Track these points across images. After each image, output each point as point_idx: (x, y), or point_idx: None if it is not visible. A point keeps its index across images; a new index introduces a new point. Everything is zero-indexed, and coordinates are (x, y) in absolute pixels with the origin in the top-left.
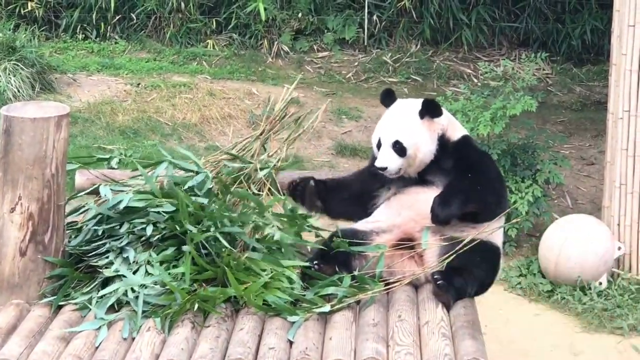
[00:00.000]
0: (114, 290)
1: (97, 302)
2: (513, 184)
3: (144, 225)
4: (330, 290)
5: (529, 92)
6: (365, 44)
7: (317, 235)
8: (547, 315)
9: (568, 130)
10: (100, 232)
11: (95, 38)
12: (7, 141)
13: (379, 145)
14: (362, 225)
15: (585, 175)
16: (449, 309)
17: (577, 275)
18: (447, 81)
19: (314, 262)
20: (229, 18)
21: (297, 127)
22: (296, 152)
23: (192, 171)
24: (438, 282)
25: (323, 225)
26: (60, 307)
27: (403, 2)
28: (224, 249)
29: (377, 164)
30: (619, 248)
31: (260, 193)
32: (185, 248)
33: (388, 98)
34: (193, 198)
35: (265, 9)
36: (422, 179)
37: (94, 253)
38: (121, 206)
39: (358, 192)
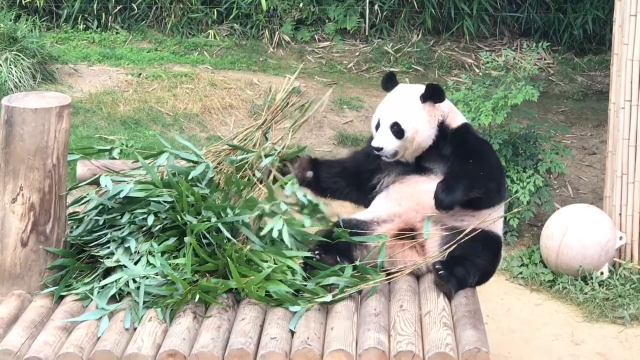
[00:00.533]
0: (115, 281)
1: (98, 292)
2: (514, 173)
3: (145, 216)
4: (332, 280)
5: (530, 81)
6: (367, 33)
7: (325, 223)
8: (548, 305)
9: (569, 119)
10: (101, 222)
11: (97, 28)
12: (9, 132)
13: (377, 126)
14: (362, 215)
15: (586, 165)
16: (450, 298)
17: (579, 265)
18: (448, 71)
19: (315, 252)
20: (230, 8)
21: (302, 113)
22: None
23: (193, 162)
24: (439, 272)
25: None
26: (61, 297)
27: None
28: (225, 240)
29: (374, 143)
30: (621, 238)
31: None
32: (185, 239)
33: (389, 82)
34: (195, 188)
35: None
36: (420, 166)
37: (95, 243)
38: (122, 196)
39: (351, 170)
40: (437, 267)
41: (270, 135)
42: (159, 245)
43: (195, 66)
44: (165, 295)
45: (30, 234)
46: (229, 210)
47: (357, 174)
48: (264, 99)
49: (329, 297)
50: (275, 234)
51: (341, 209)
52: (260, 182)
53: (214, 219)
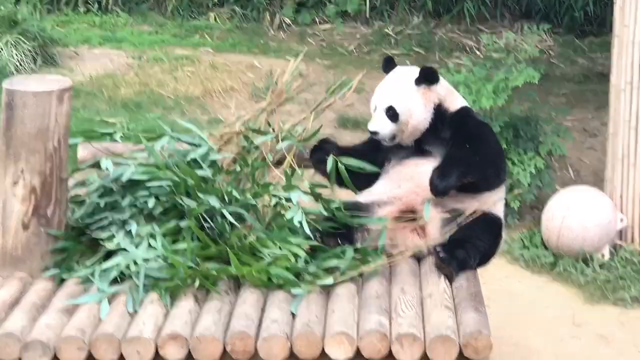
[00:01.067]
0: (116, 264)
1: (99, 275)
2: (515, 156)
3: (146, 199)
4: (333, 263)
5: (531, 64)
6: (367, 16)
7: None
8: (549, 287)
9: (570, 102)
10: (102, 205)
11: (97, 11)
12: (10, 115)
13: (374, 111)
14: (363, 197)
15: (587, 147)
16: (451, 281)
17: (580, 246)
18: (449, 53)
19: (316, 234)
20: None
21: (329, 95)
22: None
23: (195, 144)
24: (440, 255)
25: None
26: (63, 280)
27: None
28: (228, 226)
29: (370, 127)
30: (622, 220)
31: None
32: (182, 224)
33: (388, 65)
34: (198, 171)
35: None
36: (420, 149)
37: (96, 226)
38: (123, 179)
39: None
40: (438, 249)
41: (274, 120)
42: (160, 228)
43: (196, 49)
44: (166, 279)
45: (32, 217)
46: (235, 193)
47: (372, 161)
48: (266, 81)
49: (330, 280)
50: (296, 223)
51: (342, 192)
52: (278, 164)
53: (215, 203)
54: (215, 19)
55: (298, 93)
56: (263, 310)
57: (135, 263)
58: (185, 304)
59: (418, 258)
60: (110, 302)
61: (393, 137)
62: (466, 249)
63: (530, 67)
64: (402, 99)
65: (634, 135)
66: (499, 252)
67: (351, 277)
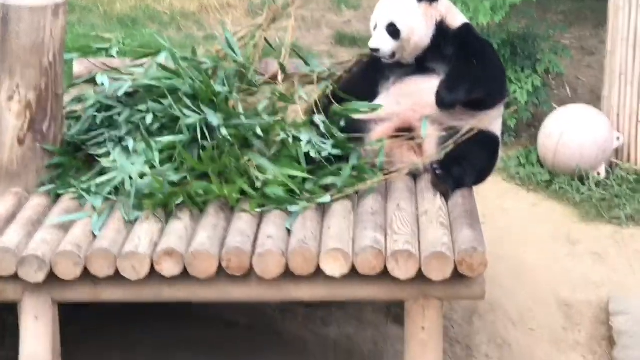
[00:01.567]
0: (111, 178)
1: (94, 190)
2: (513, 73)
3: (143, 115)
4: (330, 180)
5: None
6: None
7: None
8: (545, 205)
9: (568, 19)
10: (99, 121)
11: None
12: (4, 30)
13: (375, 28)
14: (361, 114)
15: (585, 66)
16: (447, 198)
17: (576, 164)
18: None
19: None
20: None
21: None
22: (295, 41)
23: (196, 60)
24: (437, 172)
25: None
26: (59, 195)
27: None
28: (227, 143)
29: (370, 44)
30: (618, 138)
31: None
32: (171, 137)
33: None
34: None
35: None
36: (422, 66)
37: (93, 142)
38: (120, 93)
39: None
40: (434, 166)
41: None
42: (156, 144)
43: None
44: (152, 195)
45: (27, 132)
46: (243, 118)
47: (372, 84)
48: None
49: (327, 198)
50: (312, 153)
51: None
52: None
53: (213, 119)
54: None
55: (296, 9)
56: (259, 226)
57: (131, 178)
58: (181, 220)
59: (414, 175)
60: (99, 215)
61: (393, 55)
62: (462, 166)
63: None
64: (404, 15)
65: (631, 53)
66: (495, 170)
67: (348, 194)
